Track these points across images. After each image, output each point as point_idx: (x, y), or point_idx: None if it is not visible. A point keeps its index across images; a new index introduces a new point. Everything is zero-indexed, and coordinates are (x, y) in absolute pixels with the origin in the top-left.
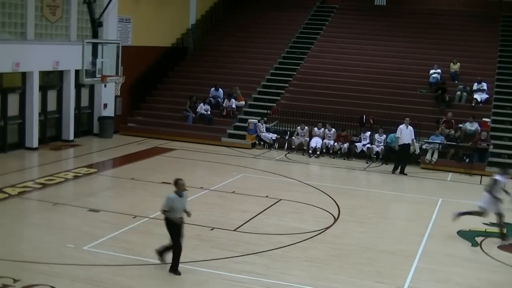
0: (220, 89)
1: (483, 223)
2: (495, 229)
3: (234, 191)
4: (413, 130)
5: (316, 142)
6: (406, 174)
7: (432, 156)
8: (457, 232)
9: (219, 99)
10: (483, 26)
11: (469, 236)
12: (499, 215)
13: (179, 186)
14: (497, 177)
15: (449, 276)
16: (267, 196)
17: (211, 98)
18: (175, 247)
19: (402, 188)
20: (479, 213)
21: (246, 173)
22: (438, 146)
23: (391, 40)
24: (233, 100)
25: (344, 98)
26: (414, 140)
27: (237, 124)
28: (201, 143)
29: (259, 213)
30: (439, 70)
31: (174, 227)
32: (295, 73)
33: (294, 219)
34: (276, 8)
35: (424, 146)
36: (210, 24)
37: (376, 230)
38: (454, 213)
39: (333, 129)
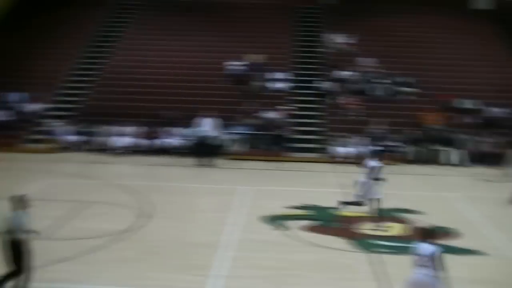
0: (18, 93)
1: (285, 207)
2: (299, 212)
3: (40, 198)
4: (216, 122)
5: (121, 140)
6: (211, 166)
7: (236, 146)
8: (264, 218)
9: (17, 104)
10: (280, 18)
11: (276, 220)
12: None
13: (24, 203)
14: (372, 163)
15: (260, 261)
16: (75, 200)
17: (9, 103)
18: (18, 270)
19: (208, 180)
20: (359, 203)
21: (52, 179)
22: (242, 136)
23: (194, 35)
24: (33, 103)
25: (150, 95)
26: (218, 131)
27: (38, 128)
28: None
29: (68, 218)
30: (240, 62)
31: (22, 249)
32: (100, 72)
33: (103, 221)
34: (73, 7)
35: (229, 137)
36: (6, 26)
37: (185, 224)
38: (339, 202)
39: (138, 127)
